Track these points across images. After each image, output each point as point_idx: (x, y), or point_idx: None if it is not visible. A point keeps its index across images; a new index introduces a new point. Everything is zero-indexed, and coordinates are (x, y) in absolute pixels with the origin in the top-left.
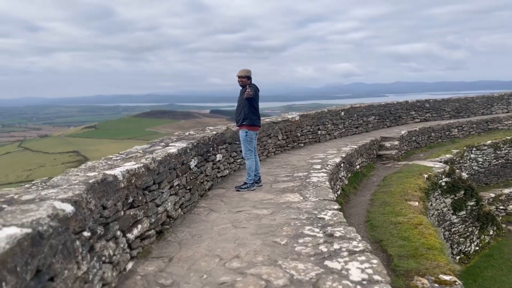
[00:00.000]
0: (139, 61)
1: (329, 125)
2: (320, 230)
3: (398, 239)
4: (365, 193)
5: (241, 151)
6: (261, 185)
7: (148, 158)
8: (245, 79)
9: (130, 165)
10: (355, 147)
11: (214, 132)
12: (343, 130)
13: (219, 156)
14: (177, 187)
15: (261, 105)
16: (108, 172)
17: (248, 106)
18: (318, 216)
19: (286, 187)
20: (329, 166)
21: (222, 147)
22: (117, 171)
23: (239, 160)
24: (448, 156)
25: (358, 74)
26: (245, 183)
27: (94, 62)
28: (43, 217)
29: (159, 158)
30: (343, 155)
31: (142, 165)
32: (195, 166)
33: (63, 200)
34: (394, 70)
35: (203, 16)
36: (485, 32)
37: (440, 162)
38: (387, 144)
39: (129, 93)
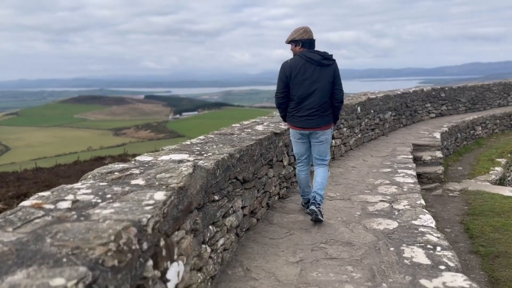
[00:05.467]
0: (65, 43)
1: (344, 129)
2: None
3: None
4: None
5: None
6: None
7: None
8: (292, 46)
9: None
10: (411, 172)
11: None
12: (359, 136)
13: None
14: None
15: (198, 91)
16: None
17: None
18: None
19: None
20: (452, 263)
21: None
22: None
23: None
24: (498, 169)
25: None
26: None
27: (14, 43)
28: None
29: None
30: (419, 201)
31: None
32: None
33: None
34: None
35: None
36: (410, 21)
37: (497, 179)
38: (425, 156)
39: (56, 77)
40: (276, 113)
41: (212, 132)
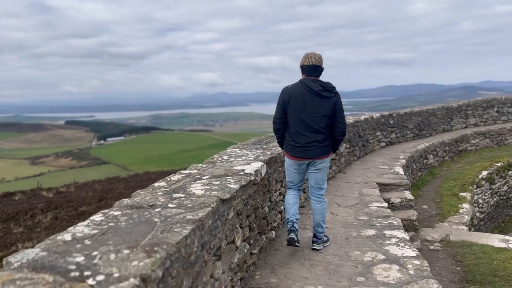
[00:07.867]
0: None
1: None
2: None
3: None
4: None
5: None
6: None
7: None
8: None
9: None
10: (403, 235)
11: None
12: None
13: None
14: None
15: (124, 115)
16: None
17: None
18: None
19: None
20: None
21: None
22: None
23: None
24: (466, 206)
25: (222, 84)
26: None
27: None
28: None
29: None
30: None
31: None
32: None
33: None
34: (255, 81)
35: (49, 19)
36: (329, 47)
37: (469, 219)
38: (394, 198)
39: None
40: (218, 157)
41: (120, 204)
